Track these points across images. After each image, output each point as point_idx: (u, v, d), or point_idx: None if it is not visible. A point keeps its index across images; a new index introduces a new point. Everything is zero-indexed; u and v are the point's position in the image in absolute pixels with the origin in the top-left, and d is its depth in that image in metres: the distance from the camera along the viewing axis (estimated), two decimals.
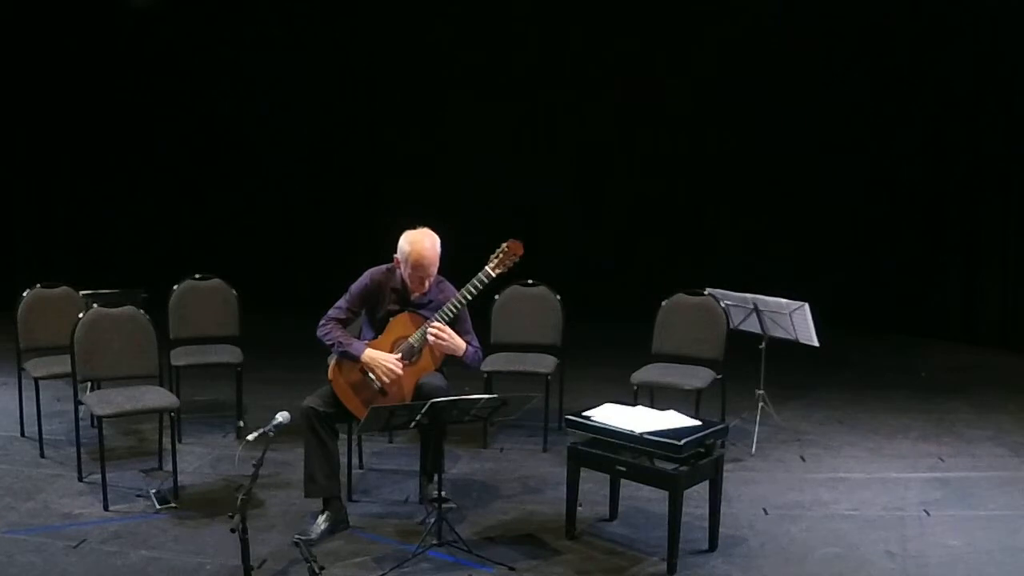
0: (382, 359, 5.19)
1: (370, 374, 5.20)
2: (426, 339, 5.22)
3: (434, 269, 5.28)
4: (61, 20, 10.15)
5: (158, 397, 5.68)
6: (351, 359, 5.21)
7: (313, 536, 5.03)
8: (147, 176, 10.52)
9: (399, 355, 5.23)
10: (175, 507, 5.43)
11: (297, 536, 4.97)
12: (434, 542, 4.89)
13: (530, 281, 6.75)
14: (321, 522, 5.13)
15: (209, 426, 6.81)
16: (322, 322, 5.34)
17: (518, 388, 6.03)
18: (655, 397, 6.32)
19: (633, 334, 6.87)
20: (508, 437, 6.73)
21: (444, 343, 5.21)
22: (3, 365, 7.52)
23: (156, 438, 6.03)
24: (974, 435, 6.88)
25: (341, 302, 5.40)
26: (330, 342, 5.27)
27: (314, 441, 5.15)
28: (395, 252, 5.31)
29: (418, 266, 5.21)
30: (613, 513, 5.42)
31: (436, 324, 5.21)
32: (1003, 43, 9.01)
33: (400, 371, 5.19)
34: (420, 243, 5.22)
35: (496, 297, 6.73)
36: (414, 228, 5.28)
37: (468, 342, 5.36)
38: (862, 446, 6.66)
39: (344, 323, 5.36)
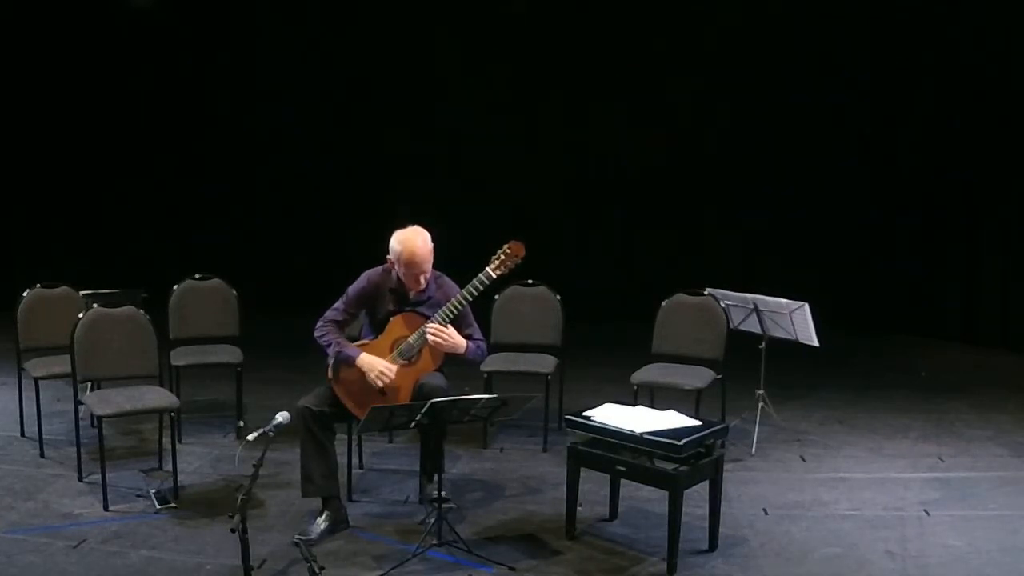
0: (376, 364, 5.19)
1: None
2: (425, 339, 5.22)
3: (428, 266, 5.27)
4: (62, 19, 10.13)
5: (158, 397, 5.68)
6: (346, 362, 5.21)
7: (313, 536, 5.03)
8: (147, 176, 10.51)
9: (398, 356, 5.23)
10: (175, 507, 5.43)
11: (297, 536, 4.97)
12: (434, 542, 4.89)
13: (530, 281, 6.74)
14: (321, 522, 5.13)
15: (209, 426, 6.81)
16: (319, 323, 5.34)
17: (518, 388, 6.02)
18: (655, 397, 6.31)
19: (633, 334, 6.88)
20: (508, 437, 6.73)
21: (443, 342, 5.20)
22: (3, 365, 7.51)
23: (156, 438, 6.03)
24: (974, 435, 6.88)
25: (338, 304, 5.40)
26: (326, 344, 5.27)
27: (310, 441, 5.15)
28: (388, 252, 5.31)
29: (412, 264, 5.21)
30: (613, 513, 5.41)
31: (435, 324, 5.21)
32: (1004, 42, 9.00)
33: (393, 377, 5.19)
34: (412, 241, 5.22)
35: (496, 297, 6.72)
36: (403, 227, 5.28)
37: (470, 336, 5.36)
38: (862, 446, 6.66)
39: (341, 325, 5.37)
